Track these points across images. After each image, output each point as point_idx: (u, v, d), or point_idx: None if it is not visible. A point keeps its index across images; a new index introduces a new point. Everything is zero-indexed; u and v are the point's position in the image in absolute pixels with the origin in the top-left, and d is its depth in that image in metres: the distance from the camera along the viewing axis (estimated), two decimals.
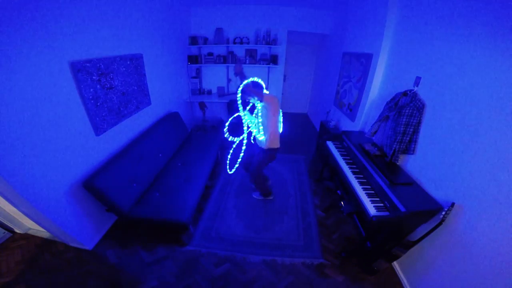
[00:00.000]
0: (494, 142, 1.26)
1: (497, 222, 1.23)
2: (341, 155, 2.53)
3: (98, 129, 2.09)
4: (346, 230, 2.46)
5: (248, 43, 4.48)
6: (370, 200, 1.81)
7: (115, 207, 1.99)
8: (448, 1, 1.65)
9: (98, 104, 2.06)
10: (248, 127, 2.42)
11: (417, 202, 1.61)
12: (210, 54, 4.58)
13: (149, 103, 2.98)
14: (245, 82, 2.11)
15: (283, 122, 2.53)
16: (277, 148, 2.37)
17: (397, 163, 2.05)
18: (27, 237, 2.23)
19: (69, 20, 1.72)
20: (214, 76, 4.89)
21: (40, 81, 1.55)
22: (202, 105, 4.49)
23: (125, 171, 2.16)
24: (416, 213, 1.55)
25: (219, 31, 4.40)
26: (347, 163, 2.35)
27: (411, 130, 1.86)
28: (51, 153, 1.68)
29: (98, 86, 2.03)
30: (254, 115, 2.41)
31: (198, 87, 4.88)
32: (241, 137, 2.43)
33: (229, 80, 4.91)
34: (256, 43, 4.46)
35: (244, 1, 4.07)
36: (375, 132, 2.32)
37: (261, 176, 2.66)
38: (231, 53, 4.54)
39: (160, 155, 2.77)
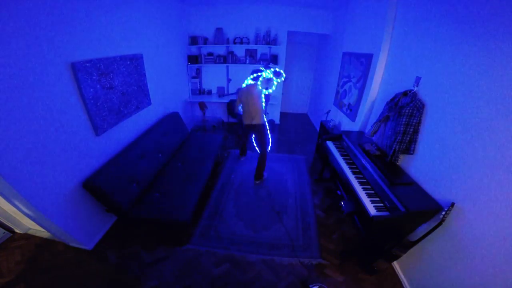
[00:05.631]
0: (494, 142, 1.26)
1: (497, 222, 1.23)
2: (341, 155, 2.53)
3: (98, 129, 2.09)
4: (346, 230, 2.46)
5: (248, 43, 4.48)
6: (370, 200, 1.81)
7: (115, 207, 1.99)
8: (448, 1, 1.65)
9: (98, 104, 2.06)
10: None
11: (417, 202, 1.61)
12: (210, 54, 4.58)
13: (149, 103, 2.98)
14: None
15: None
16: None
17: (397, 163, 2.05)
18: (27, 237, 2.23)
19: (69, 20, 1.72)
20: (214, 76, 4.89)
21: (40, 81, 1.55)
22: (202, 105, 4.49)
23: (125, 171, 2.16)
24: (416, 213, 1.56)
25: (219, 31, 4.40)
26: (347, 163, 2.35)
27: (411, 130, 1.86)
28: (51, 153, 1.68)
29: (98, 86, 2.03)
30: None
31: (198, 87, 4.89)
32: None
33: (229, 80, 4.91)
34: (256, 43, 4.46)
35: (244, 1, 4.07)
36: (375, 132, 2.32)
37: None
38: (231, 53, 4.55)
39: (160, 155, 2.77)
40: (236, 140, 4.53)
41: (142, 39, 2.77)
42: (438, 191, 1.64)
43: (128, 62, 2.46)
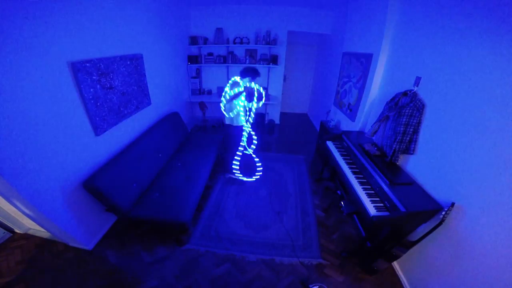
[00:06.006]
0: (494, 142, 1.26)
1: (497, 222, 1.23)
2: (341, 155, 2.53)
3: (98, 129, 2.09)
4: (346, 230, 2.46)
5: (248, 43, 4.48)
6: (370, 200, 1.81)
7: (115, 207, 1.99)
8: (448, 1, 1.65)
9: (98, 104, 2.06)
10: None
11: (417, 202, 1.61)
12: (210, 54, 4.58)
13: (149, 103, 2.98)
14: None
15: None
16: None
17: (397, 163, 2.05)
18: (27, 237, 2.23)
19: (69, 20, 1.72)
20: (214, 76, 4.90)
21: (40, 81, 1.54)
22: (202, 105, 4.50)
23: (125, 171, 2.16)
24: (416, 213, 1.55)
25: (219, 31, 4.40)
26: (347, 163, 2.35)
27: (411, 130, 1.86)
28: (51, 153, 1.68)
29: (98, 86, 2.03)
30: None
31: (198, 87, 4.88)
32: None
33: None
34: (256, 43, 4.46)
35: (244, 1, 4.07)
36: (375, 132, 2.32)
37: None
38: (231, 53, 4.55)
39: (160, 155, 2.77)
40: None
41: (142, 39, 2.77)
42: (438, 191, 1.64)
43: (128, 62, 2.46)
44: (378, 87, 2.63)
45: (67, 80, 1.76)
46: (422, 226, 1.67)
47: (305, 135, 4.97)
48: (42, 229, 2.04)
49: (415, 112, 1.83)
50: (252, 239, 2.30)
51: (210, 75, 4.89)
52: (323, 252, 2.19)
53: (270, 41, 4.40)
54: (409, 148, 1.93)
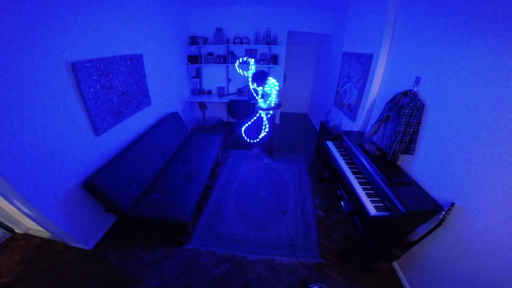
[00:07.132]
0: (494, 142, 1.26)
1: (497, 222, 1.23)
2: (341, 155, 2.53)
3: (98, 129, 2.09)
4: (346, 230, 2.45)
5: (248, 43, 4.48)
6: (370, 200, 1.81)
7: (115, 207, 1.99)
8: (448, 1, 1.65)
9: (98, 104, 2.06)
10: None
11: (417, 202, 1.61)
12: (210, 54, 4.58)
13: (149, 103, 2.98)
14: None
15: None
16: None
17: (397, 163, 2.05)
18: (27, 237, 2.23)
19: (69, 20, 1.73)
20: (214, 76, 4.90)
21: (40, 81, 1.55)
22: (202, 105, 4.50)
23: (125, 171, 2.16)
24: (416, 213, 1.56)
25: (219, 31, 4.40)
26: (347, 163, 2.35)
27: (411, 130, 1.86)
28: (51, 153, 1.68)
29: (98, 86, 2.03)
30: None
31: (198, 87, 4.89)
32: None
33: (229, 80, 4.92)
34: (256, 43, 4.46)
35: (244, 1, 4.07)
36: (375, 132, 2.32)
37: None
38: (231, 53, 4.55)
39: (160, 155, 2.77)
40: (235, 140, 4.53)
41: (142, 39, 2.77)
42: (438, 191, 1.64)
43: (128, 62, 2.46)
44: (378, 87, 2.63)
45: (67, 80, 1.76)
46: (422, 226, 1.68)
47: (305, 135, 4.96)
48: (42, 229, 2.04)
49: (415, 112, 1.83)
50: (252, 239, 2.30)
51: (210, 75, 4.89)
52: (323, 252, 2.19)
53: (270, 41, 4.40)
54: (409, 148, 1.92)
